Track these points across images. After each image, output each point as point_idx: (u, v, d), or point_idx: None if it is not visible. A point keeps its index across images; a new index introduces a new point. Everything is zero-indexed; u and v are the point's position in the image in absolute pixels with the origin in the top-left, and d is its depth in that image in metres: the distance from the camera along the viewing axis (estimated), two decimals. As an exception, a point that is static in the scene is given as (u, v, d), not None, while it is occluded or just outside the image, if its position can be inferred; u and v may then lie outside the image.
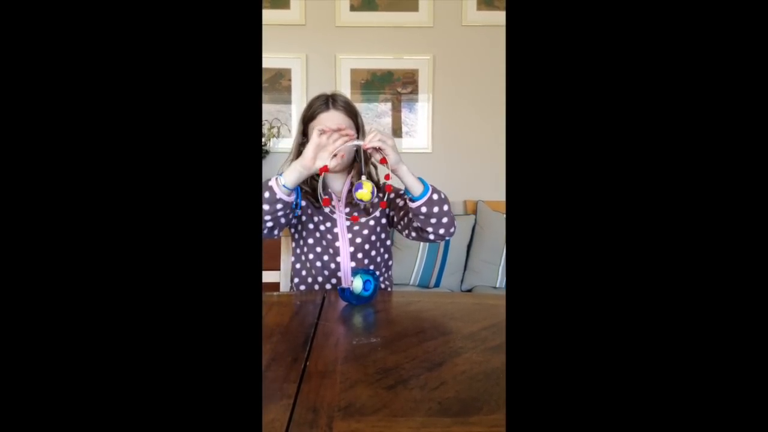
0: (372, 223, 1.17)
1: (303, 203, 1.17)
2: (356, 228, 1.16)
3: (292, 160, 1.18)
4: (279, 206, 1.01)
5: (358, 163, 1.16)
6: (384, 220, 1.18)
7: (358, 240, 1.16)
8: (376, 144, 0.97)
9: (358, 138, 1.13)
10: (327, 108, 1.13)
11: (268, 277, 1.44)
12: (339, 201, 1.16)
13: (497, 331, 0.78)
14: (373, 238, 1.18)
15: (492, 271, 2.20)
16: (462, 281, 2.27)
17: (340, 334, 0.79)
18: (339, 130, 1.00)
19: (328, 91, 1.17)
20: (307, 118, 1.16)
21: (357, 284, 0.92)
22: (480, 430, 0.50)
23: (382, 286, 1.21)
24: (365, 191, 0.97)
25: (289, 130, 2.50)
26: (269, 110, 2.46)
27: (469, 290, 2.22)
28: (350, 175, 1.18)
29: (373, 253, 1.18)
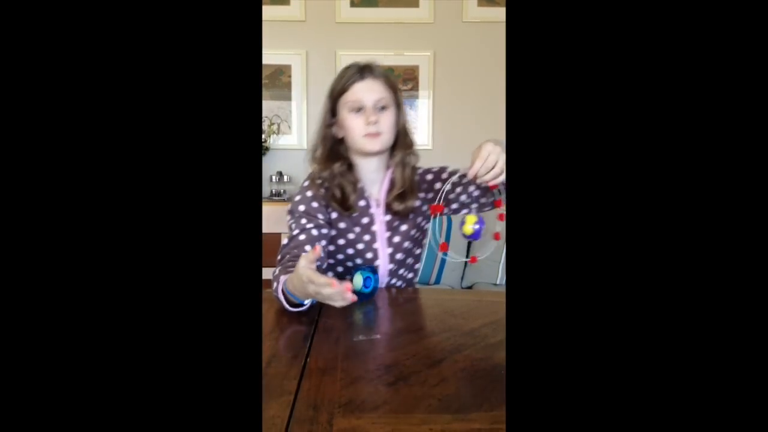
0: (418, 219, 1.06)
1: (334, 215, 1.01)
2: (396, 224, 1.03)
3: (318, 144, 1.00)
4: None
5: (399, 149, 1.00)
6: (421, 219, 1.07)
7: (397, 239, 1.04)
8: (501, 172, 0.81)
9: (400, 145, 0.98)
10: (362, 77, 0.94)
11: (268, 273, 1.44)
12: (378, 207, 1.03)
13: (497, 328, 0.78)
14: (413, 231, 1.06)
15: (492, 268, 2.21)
16: (462, 278, 2.27)
17: (340, 330, 0.78)
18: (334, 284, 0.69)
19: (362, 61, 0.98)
20: (337, 92, 0.96)
21: (357, 281, 0.92)
22: (480, 427, 0.50)
23: (416, 280, 1.14)
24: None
25: (289, 127, 2.51)
26: (269, 107, 2.46)
27: (470, 287, 2.23)
28: (389, 171, 1.02)
29: (409, 259, 1.10)
